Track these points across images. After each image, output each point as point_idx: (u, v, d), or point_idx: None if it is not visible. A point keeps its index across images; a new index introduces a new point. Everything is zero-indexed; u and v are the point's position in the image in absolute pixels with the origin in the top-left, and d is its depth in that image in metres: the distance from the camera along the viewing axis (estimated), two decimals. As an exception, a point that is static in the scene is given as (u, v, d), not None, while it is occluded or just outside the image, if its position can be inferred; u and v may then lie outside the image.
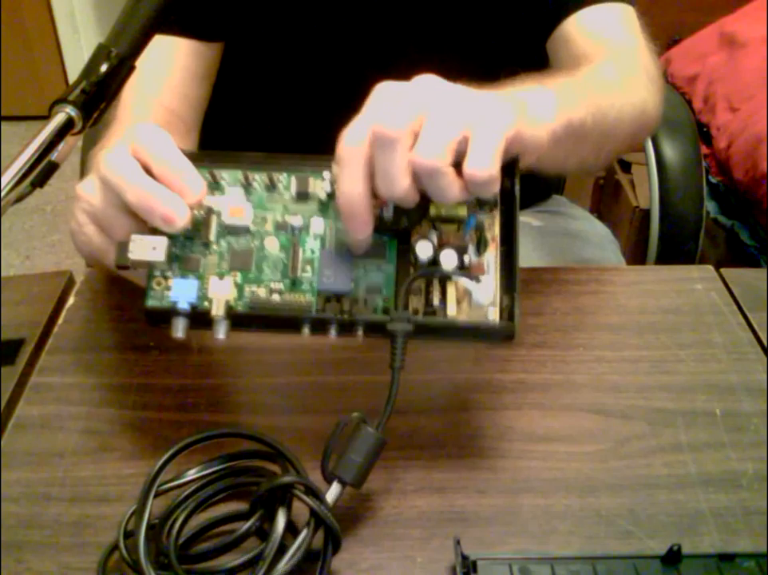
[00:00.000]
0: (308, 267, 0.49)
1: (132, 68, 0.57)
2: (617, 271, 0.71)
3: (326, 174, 0.50)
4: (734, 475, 0.51)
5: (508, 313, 0.47)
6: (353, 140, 0.45)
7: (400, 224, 0.48)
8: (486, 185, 0.43)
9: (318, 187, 0.50)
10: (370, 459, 0.46)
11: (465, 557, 0.44)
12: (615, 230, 0.99)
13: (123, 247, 0.48)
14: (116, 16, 0.58)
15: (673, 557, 0.44)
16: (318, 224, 0.50)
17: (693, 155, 0.98)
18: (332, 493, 0.45)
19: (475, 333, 0.48)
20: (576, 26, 0.77)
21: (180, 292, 0.48)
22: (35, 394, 0.57)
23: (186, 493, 0.47)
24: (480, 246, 0.49)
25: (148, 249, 0.47)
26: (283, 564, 0.42)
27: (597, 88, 0.63)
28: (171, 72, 0.77)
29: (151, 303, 0.48)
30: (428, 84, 0.46)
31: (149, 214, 0.47)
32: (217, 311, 0.47)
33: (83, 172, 0.94)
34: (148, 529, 0.43)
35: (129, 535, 0.44)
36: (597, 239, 0.92)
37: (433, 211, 0.49)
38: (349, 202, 0.45)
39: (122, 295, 0.64)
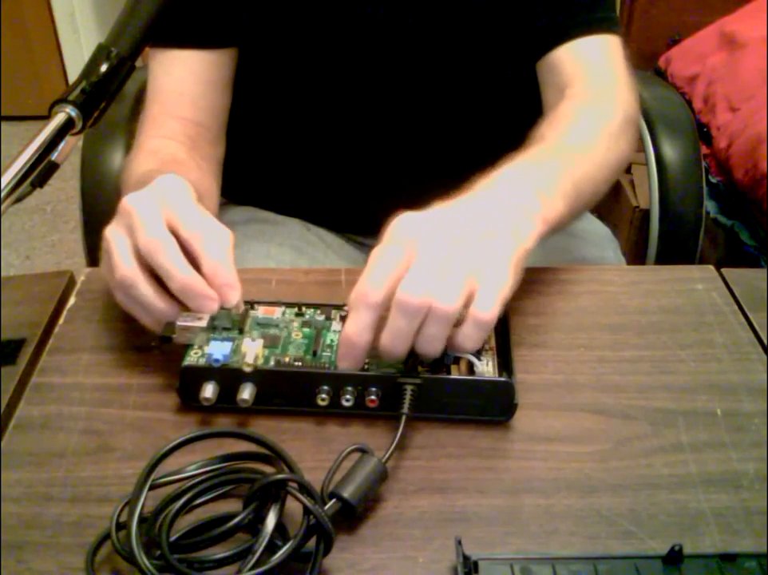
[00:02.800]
0: (328, 350, 0.56)
1: (132, 68, 0.57)
2: (617, 271, 0.71)
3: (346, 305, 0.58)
4: (735, 475, 0.51)
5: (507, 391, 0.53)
6: (372, 293, 0.51)
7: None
8: (486, 327, 0.51)
9: (338, 315, 0.59)
10: (370, 484, 0.48)
11: (466, 557, 0.44)
12: (615, 230, 0.99)
13: (169, 323, 0.54)
14: (116, 16, 0.58)
15: (674, 557, 0.44)
16: (337, 325, 0.58)
17: (693, 155, 0.98)
18: (329, 507, 0.46)
19: (479, 391, 0.53)
20: (565, 55, 0.79)
21: (216, 349, 0.54)
22: (36, 394, 0.57)
23: (181, 488, 0.47)
24: (480, 352, 0.55)
25: (193, 319, 0.54)
26: (274, 559, 0.42)
27: (576, 162, 0.66)
28: (191, 86, 0.78)
29: (187, 362, 0.54)
30: (435, 241, 0.52)
31: (188, 299, 0.54)
32: (247, 360, 0.52)
33: (84, 171, 0.94)
34: (140, 520, 0.43)
35: (121, 527, 0.44)
36: (597, 239, 0.93)
37: None
38: (349, 342, 0.52)
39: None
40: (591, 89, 0.77)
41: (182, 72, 0.78)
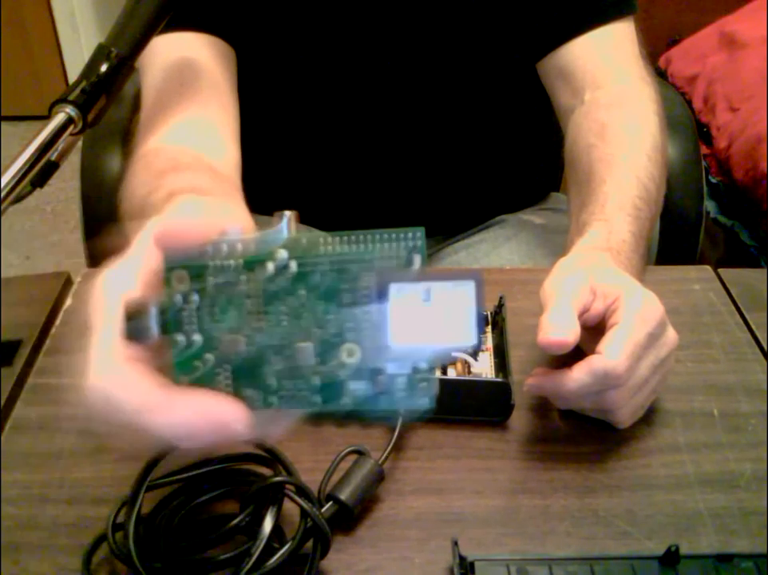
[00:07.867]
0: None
1: (132, 68, 0.57)
2: (616, 271, 0.71)
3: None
4: (731, 476, 0.51)
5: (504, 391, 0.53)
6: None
7: None
8: None
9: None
10: (367, 486, 0.48)
11: (462, 558, 0.44)
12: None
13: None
14: (116, 16, 0.58)
15: (671, 557, 0.44)
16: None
17: (693, 154, 0.98)
18: (326, 510, 0.46)
19: (476, 391, 0.54)
20: (576, 55, 0.76)
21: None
22: (33, 395, 0.57)
23: (178, 489, 0.47)
24: (477, 353, 0.56)
25: None
26: (271, 561, 0.42)
27: (647, 215, 0.67)
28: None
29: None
30: None
31: None
32: None
33: (84, 171, 0.93)
34: (137, 521, 0.43)
35: (118, 528, 0.44)
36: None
37: None
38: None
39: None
40: (619, 95, 0.74)
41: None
